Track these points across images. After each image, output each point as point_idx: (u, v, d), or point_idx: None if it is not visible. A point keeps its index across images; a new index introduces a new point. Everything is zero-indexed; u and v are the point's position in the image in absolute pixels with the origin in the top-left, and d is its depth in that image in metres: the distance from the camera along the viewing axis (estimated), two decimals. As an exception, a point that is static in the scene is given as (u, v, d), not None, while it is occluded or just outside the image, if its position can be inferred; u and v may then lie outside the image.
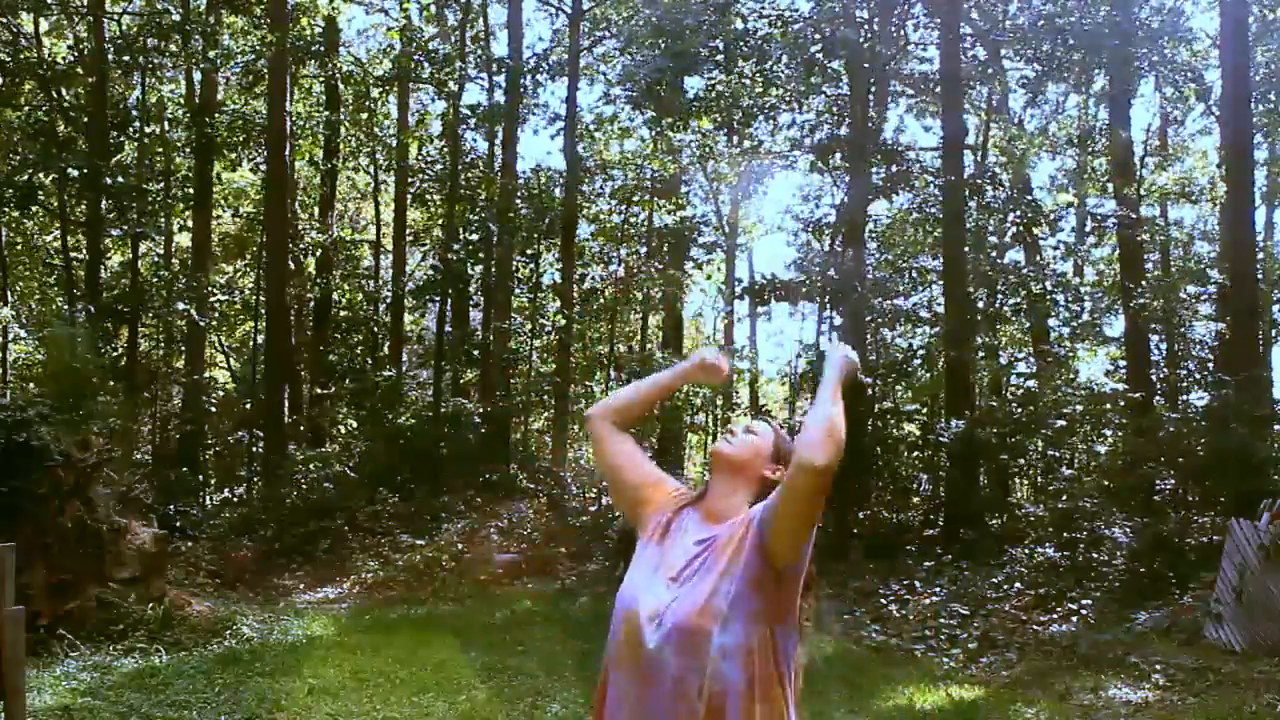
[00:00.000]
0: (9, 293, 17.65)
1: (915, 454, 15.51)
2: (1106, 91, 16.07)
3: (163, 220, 18.29)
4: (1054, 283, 16.47)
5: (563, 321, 17.70)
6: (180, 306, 16.97)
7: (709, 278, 22.74)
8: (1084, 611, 9.62)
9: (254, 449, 17.55)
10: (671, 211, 18.61)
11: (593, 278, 19.80)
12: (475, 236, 18.02)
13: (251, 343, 20.24)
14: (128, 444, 15.61)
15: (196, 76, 18.24)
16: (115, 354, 17.19)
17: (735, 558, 2.11)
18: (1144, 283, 15.27)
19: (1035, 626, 9.51)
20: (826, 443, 2.03)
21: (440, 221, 19.62)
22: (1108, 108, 17.31)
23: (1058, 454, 14.35)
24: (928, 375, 16.74)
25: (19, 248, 19.38)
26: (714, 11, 15.13)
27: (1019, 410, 13.84)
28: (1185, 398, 14.70)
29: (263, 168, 17.94)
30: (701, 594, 2.09)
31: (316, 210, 20.99)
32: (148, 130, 18.38)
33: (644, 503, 2.36)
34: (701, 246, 19.29)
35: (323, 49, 17.94)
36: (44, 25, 17.85)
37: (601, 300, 19.67)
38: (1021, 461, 14.80)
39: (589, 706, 6.57)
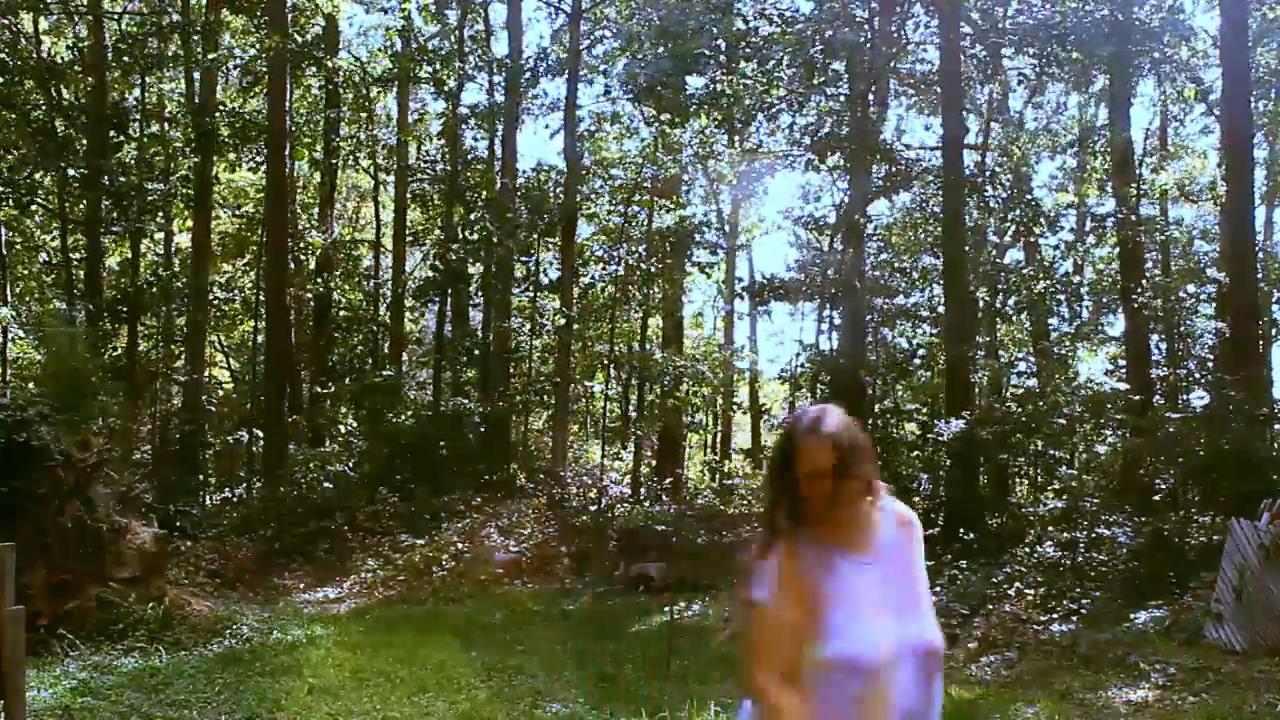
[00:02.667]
0: (9, 293, 17.64)
1: (915, 454, 15.51)
2: (1106, 91, 16.07)
3: (162, 220, 18.28)
4: (1054, 282, 16.47)
5: (563, 321, 17.70)
6: (177, 305, 16.98)
7: (710, 277, 22.74)
8: (1084, 611, 9.62)
9: (254, 449, 17.55)
10: (671, 210, 18.61)
11: (592, 277, 19.80)
12: (475, 236, 18.02)
13: (251, 343, 20.23)
14: (128, 444, 15.61)
15: (196, 76, 18.24)
16: (115, 354, 17.18)
17: (914, 570, 2.37)
18: (1144, 283, 15.27)
19: (1035, 626, 9.50)
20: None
21: (440, 221, 19.62)
22: (1108, 107, 17.31)
23: (1057, 454, 14.34)
24: (928, 375, 16.75)
25: (19, 248, 19.38)
26: (715, 11, 15.13)
27: (1019, 410, 13.84)
28: (1185, 398, 14.69)
29: (263, 168, 17.94)
30: (926, 617, 2.26)
31: (316, 210, 20.99)
32: (148, 130, 18.38)
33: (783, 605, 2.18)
34: (704, 246, 19.30)
35: (322, 49, 17.94)
36: (44, 25, 17.84)
37: (601, 300, 19.66)
38: (1021, 461, 14.79)
39: (589, 706, 6.56)
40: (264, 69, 17.44)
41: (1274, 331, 16.12)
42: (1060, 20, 14.57)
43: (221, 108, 18.50)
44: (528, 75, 18.11)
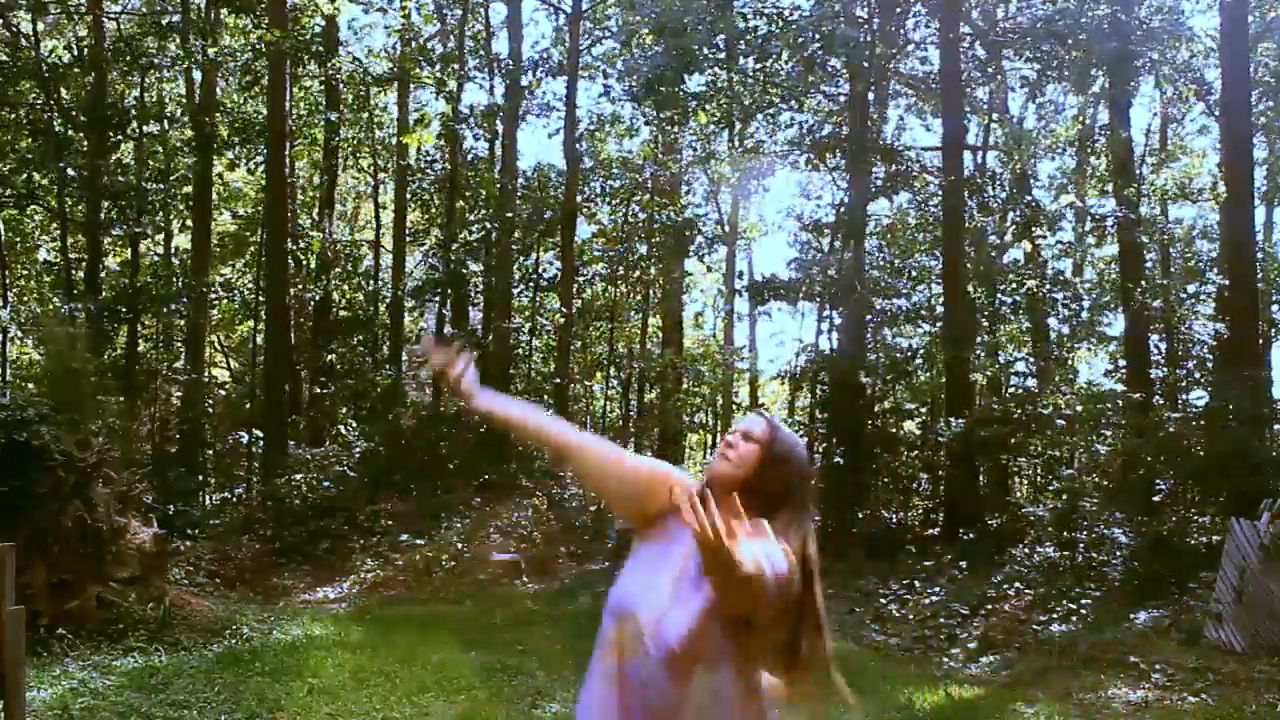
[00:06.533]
0: (8, 293, 17.65)
1: (915, 454, 15.51)
2: (1106, 91, 16.07)
3: (162, 220, 18.28)
4: (1053, 281, 16.47)
5: (562, 321, 17.69)
6: (177, 306, 16.96)
7: (709, 270, 22.72)
8: (1084, 611, 9.63)
9: (254, 449, 17.55)
10: (668, 208, 18.62)
11: (592, 277, 19.79)
12: (475, 236, 18.01)
13: (251, 343, 20.23)
14: (128, 444, 15.61)
15: (196, 76, 18.24)
16: (115, 354, 17.18)
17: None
18: (1144, 283, 15.28)
19: (1035, 626, 9.51)
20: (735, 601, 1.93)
21: (440, 221, 19.62)
22: (1108, 108, 17.31)
23: (1058, 454, 14.35)
24: (928, 375, 16.75)
25: (18, 248, 19.39)
26: (715, 8, 15.14)
27: (1018, 410, 13.84)
28: (1185, 398, 14.70)
29: (262, 168, 17.93)
30: (689, 621, 2.00)
31: (316, 210, 20.99)
32: (147, 130, 18.37)
33: (645, 506, 2.24)
34: (703, 238, 19.25)
35: (322, 49, 17.93)
36: (42, 25, 17.83)
37: (602, 300, 19.67)
38: (1021, 461, 14.81)
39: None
40: (264, 69, 17.41)
41: (1274, 331, 16.13)
42: (1060, 20, 14.57)
43: (221, 108, 18.50)
44: (528, 75, 18.11)
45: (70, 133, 16.62)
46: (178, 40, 16.83)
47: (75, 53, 17.37)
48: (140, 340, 18.38)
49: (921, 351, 16.83)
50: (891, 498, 15.43)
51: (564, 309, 17.74)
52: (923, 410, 17.00)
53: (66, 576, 7.58)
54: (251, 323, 20.02)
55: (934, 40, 16.47)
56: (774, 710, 2.13)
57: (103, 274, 17.80)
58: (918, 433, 16.05)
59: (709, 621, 2.01)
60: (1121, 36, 13.97)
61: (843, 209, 16.18)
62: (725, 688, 2.02)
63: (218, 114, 18.02)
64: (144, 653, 7.32)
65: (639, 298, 19.47)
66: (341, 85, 19.31)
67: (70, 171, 16.11)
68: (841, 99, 16.95)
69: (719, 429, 24.58)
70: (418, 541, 13.09)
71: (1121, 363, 16.59)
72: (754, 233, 25.03)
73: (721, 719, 2.01)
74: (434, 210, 20.17)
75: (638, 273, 19.06)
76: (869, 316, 16.19)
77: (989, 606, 10.21)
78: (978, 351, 15.63)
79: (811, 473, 2.27)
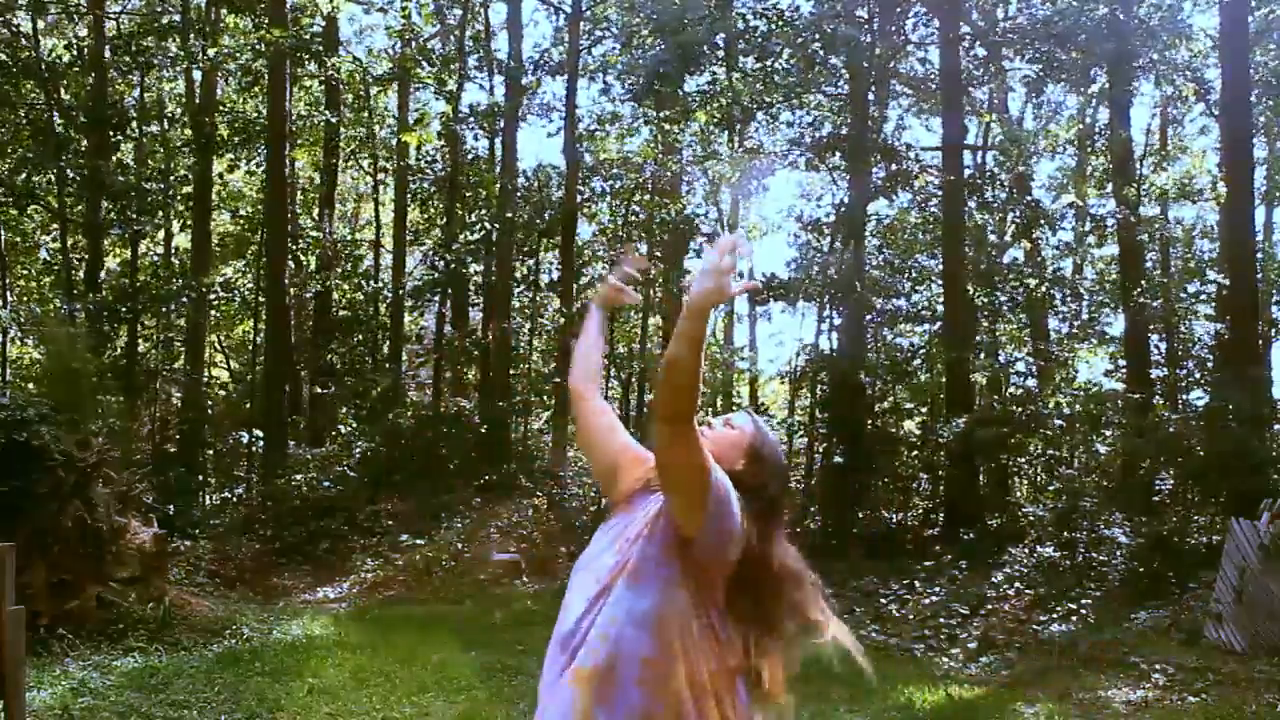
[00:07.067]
0: (8, 293, 17.64)
1: (915, 453, 15.50)
2: (1107, 91, 16.07)
3: (162, 220, 18.27)
4: (1052, 279, 16.47)
5: (562, 321, 17.68)
6: (177, 306, 16.95)
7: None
8: (1084, 611, 9.63)
9: (254, 449, 17.55)
10: (668, 207, 18.61)
11: (593, 278, 19.76)
12: (475, 236, 18.01)
13: (251, 343, 20.23)
14: (128, 444, 15.61)
15: (196, 76, 18.23)
16: (115, 354, 17.18)
17: (655, 520, 2.05)
18: (1144, 283, 15.28)
19: (1035, 626, 9.51)
20: (661, 390, 1.93)
21: (440, 221, 19.62)
22: (1108, 108, 17.31)
23: (1058, 454, 14.35)
24: (928, 375, 16.75)
25: (18, 248, 19.38)
26: (715, 8, 15.14)
27: (1019, 410, 13.84)
28: (1185, 398, 14.69)
29: (262, 168, 17.94)
30: (624, 557, 2.04)
31: (316, 210, 20.99)
32: (148, 130, 18.37)
33: (618, 481, 2.31)
34: (703, 238, 19.25)
35: (322, 48, 17.93)
36: (42, 25, 17.82)
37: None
38: (1021, 461, 14.82)
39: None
40: (264, 69, 17.42)
41: (1274, 331, 16.13)
42: (1060, 20, 14.56)
43: (221, 108, 18.50)
44: (528, 75, 18.11)
45: (70, 133, 16.61)
46: (178, 40, 16.83)
47: (75, 53, 17.35)
48: (140, 340, 18.37)
49: (921, 351, 16.83)
50: (891, 498, 15.42)
51: (564, 309, 17.73)
52: (923, 410, 16.98)
53: (66, 576, 7.59)
54: (251, 323, 20.03)
55: (934, 40, 16.46)
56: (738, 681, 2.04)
57: (103, 274, 17.79)
58: (918, 433, 16.04)
59: (645, 540, 2.03)
60: (1121, 36, 13.96)
61: (843, 209, 16.17)
62: (642, 607, 1.95)
63: (218, 114, 18.02)
64: (144, 653, 7.33)
65: (639, 298, 19.43)
66: (341, 85, 19.31)
67: (70, 171, 16.11)
68: (841, 99, 16.94)
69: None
70: (418, 541, 13.09)
71: (1121, 363, 16.60)
72: (754, 233, 25.05)
73: (632, 639, 1.93)
74: (434, 210, 20.17)
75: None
76: (869, 316, 16.19)
77: (989, 606, 10.21)
78: (978, 351, 15.62)
79: (786, 483, 2.27)
